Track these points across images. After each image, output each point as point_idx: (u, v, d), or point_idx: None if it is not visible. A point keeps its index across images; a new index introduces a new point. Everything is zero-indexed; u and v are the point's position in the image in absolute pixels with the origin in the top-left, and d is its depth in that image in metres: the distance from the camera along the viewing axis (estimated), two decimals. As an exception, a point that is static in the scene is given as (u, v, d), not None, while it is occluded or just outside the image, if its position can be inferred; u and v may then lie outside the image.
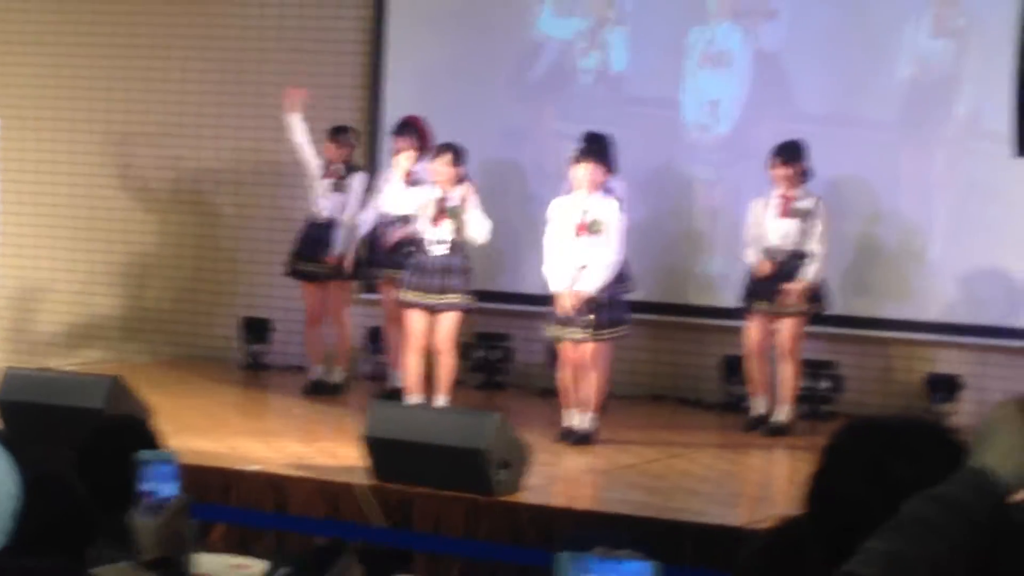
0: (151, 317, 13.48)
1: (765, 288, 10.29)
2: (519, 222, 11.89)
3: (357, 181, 11.33)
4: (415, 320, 10.22)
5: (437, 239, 10.17)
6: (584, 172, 9.69)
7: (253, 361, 12.62)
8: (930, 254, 11.33)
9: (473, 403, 11.10)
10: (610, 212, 9.71)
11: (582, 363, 9.73)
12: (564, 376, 9.85)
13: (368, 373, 12.16)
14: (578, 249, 9.67)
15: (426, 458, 7.88)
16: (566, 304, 9.63)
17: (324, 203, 11.30)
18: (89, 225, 13.60)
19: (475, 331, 12.06)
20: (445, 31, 12.56)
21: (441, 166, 10.22)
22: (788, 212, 10.26)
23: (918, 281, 11.37)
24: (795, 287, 10.18)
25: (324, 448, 9.29)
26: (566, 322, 9.69)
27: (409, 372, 10.26)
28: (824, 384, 11.25)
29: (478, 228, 10.16)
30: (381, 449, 8.03)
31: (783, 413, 10.31)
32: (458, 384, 11.18)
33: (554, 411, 10.41)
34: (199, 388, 11.53)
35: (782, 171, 10.25)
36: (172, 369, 12.52)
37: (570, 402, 9.85)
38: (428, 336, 10.21)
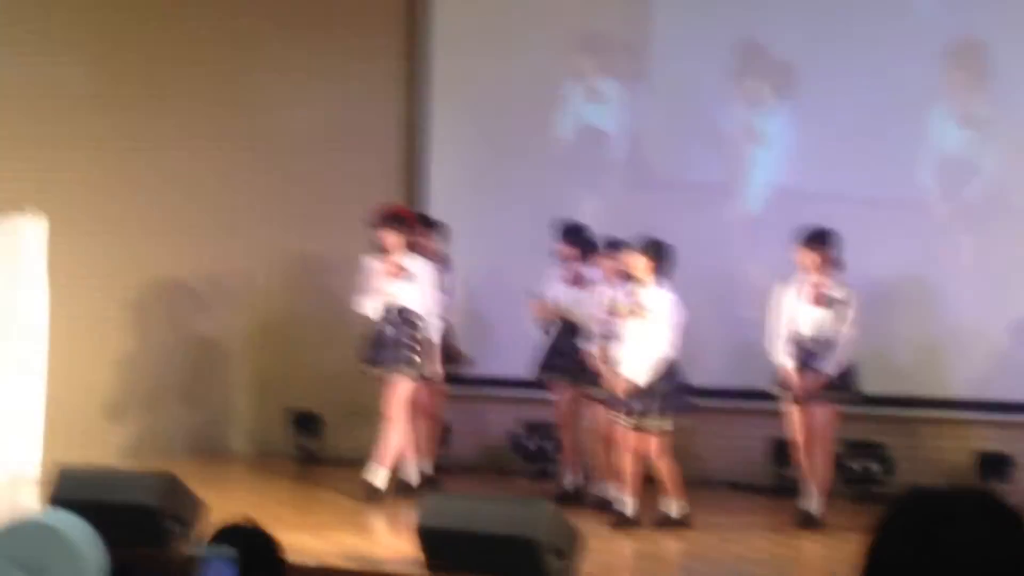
0: (202, 414, 13.55)
1: (800, 378, 10.11)
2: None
3: (420, 268, 10.85)
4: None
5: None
6: (632, 262, 9.83)
7: (304, 455, 12.65)
8: (976, 332, 11.30)
9: (524, 492, 11.10)
10: (662, 303, 9.78)
11: (648, 454, 9.81)
12: (627, 461, 9.86)
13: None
14: (627, 333, 9.79)
15: (479, 548, 7.85)
16: (615, 386, 9.76)
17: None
18: (138, 323, 13.69)
19: (525, 421, 12.09)
20: (484, 119, 12.65)
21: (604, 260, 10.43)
22: (820, 300, 10.07)
23: (965, 360, 11.33)
24: (814, 381, 10.02)
25: (379, 540, 9.29)
26: (618, 405, 9.79)
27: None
28: (873, 466, 11.21)
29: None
30: (434, 539, 8.00)
31: (813, 503, 10.11)
32: (509, 474, 11.24)
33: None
34: (252, 483, 11.54)
35: (806, 257, 10.08)
36: (224, 465, 12.55)
37: (634, 490, 9.87)
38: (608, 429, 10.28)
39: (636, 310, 9.78)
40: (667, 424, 9.77)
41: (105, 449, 13.27)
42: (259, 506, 10.29)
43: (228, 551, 3.56)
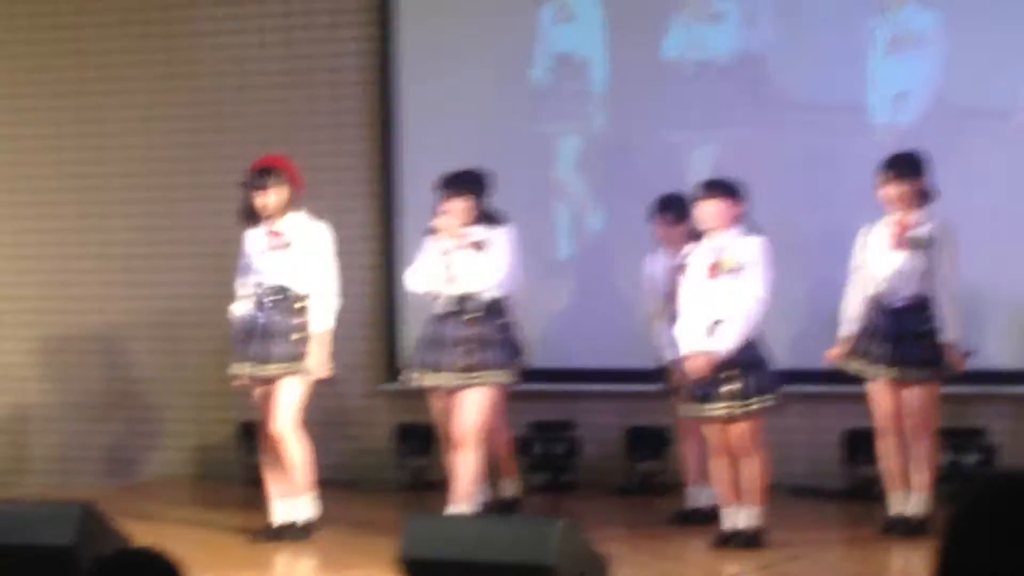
0: (136, 431, 13.63)
1: (885, 348, 9.96)
2: (582, 283, 12.13)
3: (305, 233, 10.46)
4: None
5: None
6: (711, 209, 9.66)
7: (255, 475, 12.66)
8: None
9: (535, 508, 11.15)
10: (753, 250, 9.60)
11: (738, 447, 9.63)
12: (718, 465, 9.73)
13: (406, 481, 12.29)
14: (711, 297, 9.59)
15: (479, 580, 7.89)
16: (696, 368, 9.53)
17: None
18: (74, 345, 13.80)
19: (529, 421, 12.13)
20: (459, 53, 12.70)
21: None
22: (903, 243, 9.90)
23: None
24: (955, 354, 9.82)
25: (354, 577, 9.34)
26: (705, 396, 9.59)
27: None
28: (972, 457, 11.23)
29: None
30: (422, 572, 8.05)
31: (917, 504, 9.99)
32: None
33: (632, 511, 10.45)
34: (194, 511, 11.57)
35: (896, 190, 9.87)
36: (161, 490, 12.62)
37: (731, 497, 9.73)
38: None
39: (724, 265, 9.61)
40: (758, 405, 9.57)
41: (38, 477, 13.43)
42: (203, 540, 10.34)
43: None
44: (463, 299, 10.08)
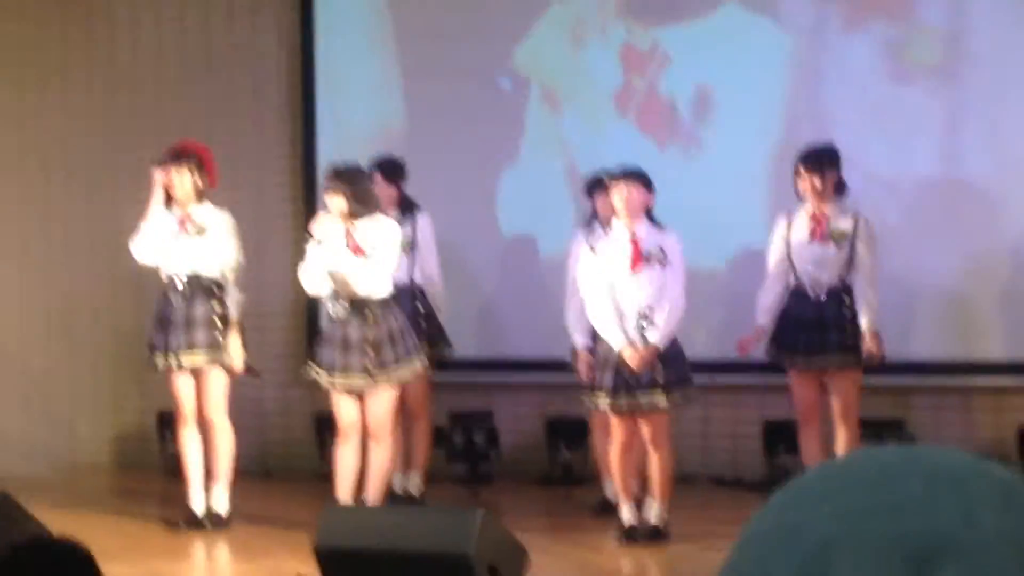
0: (52, 420, 13.51)
1: (808, 337, 10.03)
2: (497, 272, 12.07)
3: (216, 220, 10.44)
4: None
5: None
6: (623, 195, 9.59)
7: (175, 464, 12.58)
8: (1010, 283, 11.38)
9: (454, 499, 11.11)
10: (672, 242, 9.62)
11: (652, 439, 9.62)
12: (626, 459, 9.72)
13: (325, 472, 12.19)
14: (635, 289, 9.59)
15: (395, 570, 7.84)
16: (639, 363, 9.51)
17: None
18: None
19: (448, 410, 12.08)
20: (390, 39, 12.66)
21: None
22: (824, 234, 10.01)
23: (1003, 315, 11.40)
24: (871, 345, 9.89)
25: (269, 567, 9.27)
26: (629, 387, 9.56)
27: None
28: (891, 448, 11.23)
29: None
30: (337, 562, 7.96)
31: None
32: (434, 477, 11.24)
33: (552, 502, 10.41)
34: (112, 501, 11.51)
35: (814, 182, 9.96)
36: (79, 480, 12.53)
37: (639, 491, 9.79)
38: None
39: (650, 257, 9.56)
40: (672, 400, 9.58)
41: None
42: (120, 528, 10.29)
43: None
44: (359, 302, 9.75)
